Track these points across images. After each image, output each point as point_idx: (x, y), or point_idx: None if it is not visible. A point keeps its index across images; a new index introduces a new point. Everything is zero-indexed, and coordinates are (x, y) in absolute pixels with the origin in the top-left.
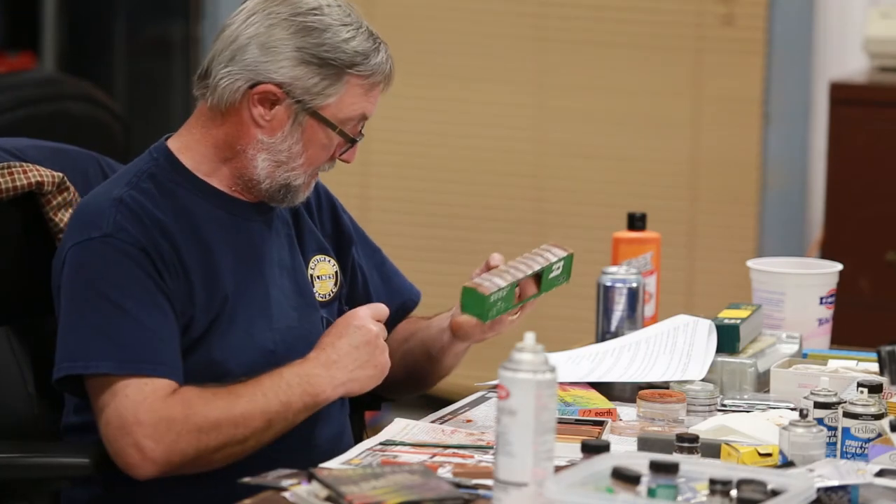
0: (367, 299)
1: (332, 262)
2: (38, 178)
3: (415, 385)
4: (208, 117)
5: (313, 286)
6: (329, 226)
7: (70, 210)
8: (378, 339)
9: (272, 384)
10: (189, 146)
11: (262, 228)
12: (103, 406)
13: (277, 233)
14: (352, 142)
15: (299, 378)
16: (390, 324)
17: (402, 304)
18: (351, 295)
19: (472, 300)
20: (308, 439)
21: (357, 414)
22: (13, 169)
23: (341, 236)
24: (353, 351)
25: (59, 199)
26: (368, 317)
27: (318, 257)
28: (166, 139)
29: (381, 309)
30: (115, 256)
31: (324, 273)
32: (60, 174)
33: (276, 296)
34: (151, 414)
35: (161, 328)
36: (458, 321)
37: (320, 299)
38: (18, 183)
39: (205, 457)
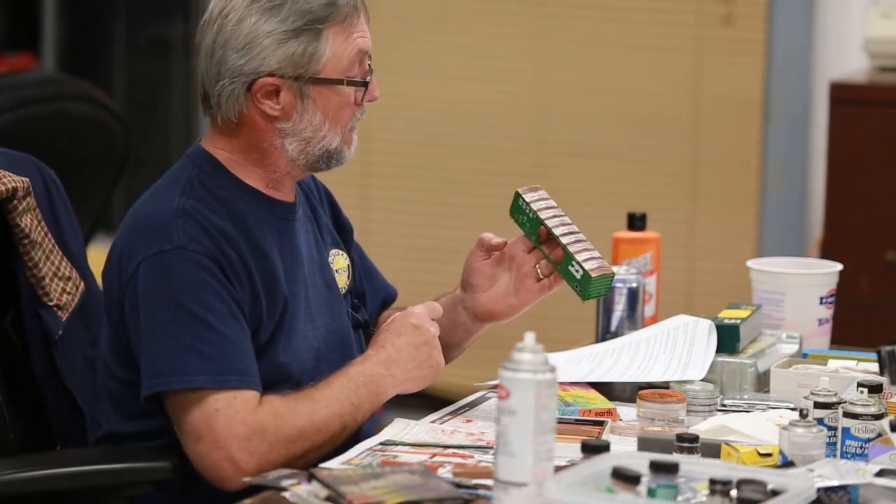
0: (362, 294)
1: (345, 255)
2: (14, 185)
3: None
4: (225, 131)
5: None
6: (330, 218)
7: (30, 215)
8: (435, 339)
9: (342, 387)
10: (221, 153)
11: (298, 227)
12: (192, 421)
13: (306, 230)
14: (363, 84)
15: (364, 378)
16: (375, 317)
17: (384, 297)
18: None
19: (605, 282)
20: None
21: None
22: None
23: (342, 229)
24: (413, 350)
25: (24, 203)
26: (426, 316)
27: (334, 251)
28: (199, 142)
29: (437, 308)
30: (190, 268)
31: (340, 266)
32: (27, 179)
33: (313, 293)
34: (244, 427)
35: (241, 339)
36: (486, 305)
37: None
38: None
39: (290, 464)
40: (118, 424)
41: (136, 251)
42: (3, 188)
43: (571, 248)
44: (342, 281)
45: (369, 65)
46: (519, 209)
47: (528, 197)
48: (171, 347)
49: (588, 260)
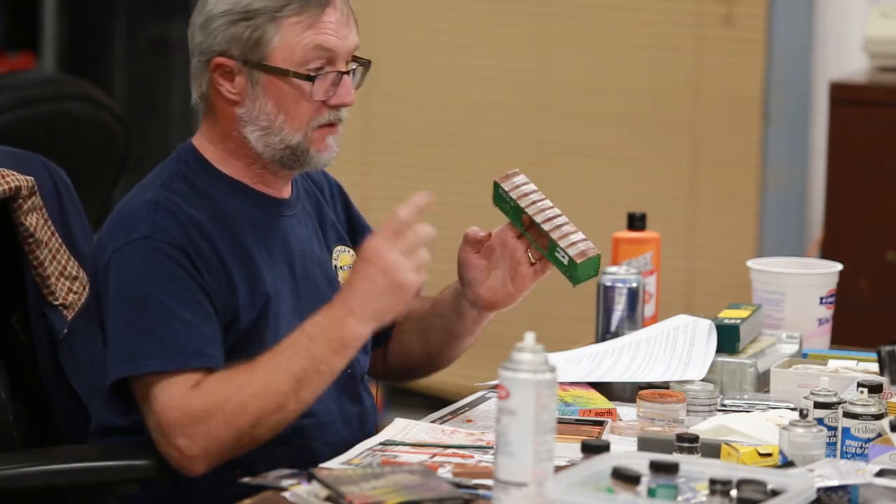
0: None
1: (351, 251)
2: (17, 183)
3: (436, 364)
4: (205, 121)
5: (337, 276)
6: (343, 215)
7: (35, 214)
8: (394, 263)
9: (292, 343)
10: (208, 147)
11: (293, 223)
12: (146, 410)
13: (306, 226)
14: (308, 79)
15: (320, 328)
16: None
17: None
18: None
19: (592, 265)
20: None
21: None
22: None
23: (353, 225)
24: (368, 283)
25: (29, 203)
26: (380, 246)
27: (339, 248)
28: (191, 140)
29: (390, 226)
30: (156, 257)
31: (345, 263)
32: (31, 178)
33: (309, 289)
34: (178, 413)
35: (205, 325)
36: (486, 297)
37: None
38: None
39: (244, 435)
40: (110, 418)
41: (109, 243)
42: (6, 187)
43: (553, 235)
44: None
45: (355, 68)
46: (500, 198)
47: (506, 185)
48: (131, 335)
49: (571, 245)
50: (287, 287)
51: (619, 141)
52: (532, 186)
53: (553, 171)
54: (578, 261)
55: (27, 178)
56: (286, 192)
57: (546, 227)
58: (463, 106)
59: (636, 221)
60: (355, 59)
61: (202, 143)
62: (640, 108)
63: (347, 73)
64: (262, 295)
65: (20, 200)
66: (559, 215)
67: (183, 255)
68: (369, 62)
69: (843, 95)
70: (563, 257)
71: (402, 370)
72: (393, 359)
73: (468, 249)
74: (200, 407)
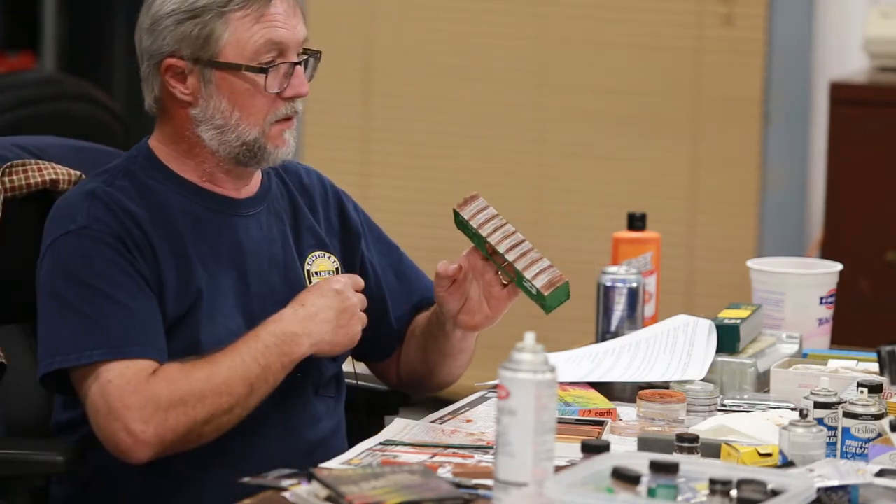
0: (381, 298)
1: (332, 258)
2: (53, 176)
3: (437, 380)
4: (159, 123)
5: (310, 281)
6: (336, 221)
7: None
8: (356, 308)
9: (249, 348)
10: (160, 147)
11: (249, 224)
12: (90, 395)
13: (269, 228)
14: (261, 72)
15: (276, 338)
16: (405, 321)
17: (418, 301)
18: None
19: (561, 293)
20: (301, 442)
21: (376, 417)
22: (28, 167)
23: (348, 232)
24: (332, 314)
25: None
26: (349, 285)
27: (315, 253)
28: (147, 139)
29: (359, 280)
30: (94, 246)
31: (322, 269)
32: (77, 172)
33: (261, 291)
34: (137, 397)
35: (147, 311)
36: (465, 321)
37: None
38: (33, 180)
39: (195, 430)
40: (59, 414)
41: (47, 235)
42: (41, 179)
43: (518, 266)
44: None
45: (306, 59)
46: (462, 224)
47: (465, 213)
48: (70, 324)
49: (537, 276)
50: (230, 285)
51: (619, 141)
52: (492, 211)
53: (553, 171)
54: (546, 293)
55: (72, 171)
56: (243, 191)
57: (510, 256)
58: (463, 106)
59: (636, 221)
60: (306, 50)
61: (155, 143)
62: (640, 108)
63: (300, 63)
64: (192, 290)
65: (62, 193)
66: (522, 241)
67: (119, 243)
68: (320, 53)
69: (843, 95)
70: (531, 287)
71: (410, 382)
72: (402, 371)
73: (443, 285)
74: (165, 395)
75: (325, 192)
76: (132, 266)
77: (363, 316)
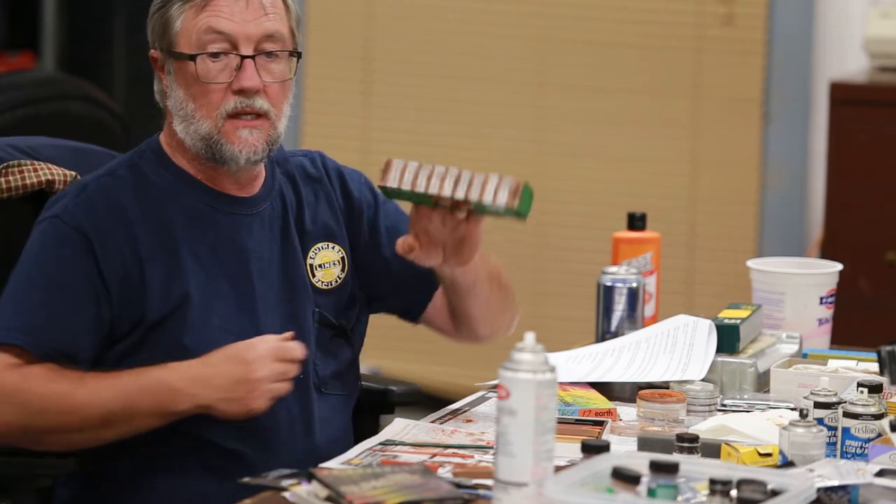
0: (388, 273)
1: (338, 248)
2: (49, 177)
3: (483, 328)
4: (165, 117)
5: (313, 276)
6: (340, 198)
7: None
8: (261, 384)
9: (124, 384)
10: (164, 140)
11: (252, 223)
12: None
13: (271, 227)
14: (191, 58)
15: (159, 385)
16: (423, 297)
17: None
18: (367, 261)
19: (527, 196)
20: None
21: (371, 415)
22: (24, 167)
23: (351, 207)
24: (230, 383)
25: None
26: (268, 357)
27: (318, 245)
28: (159, 134)
29: (293, 350)
30: (52, 236)
31: (326, 260)
32: (73, 173)
33: (263, 291)
34: None
35: (65, 311)
36: (451, 272)
37: (325, 287)
38: (28, 181)
39: (32, 435)
40: None
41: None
42: (37, 180)
43: (472, 198)
44: (330, 275)
45: (265, 51)
46: (395, 193)
47: (390, 182)
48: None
49: (496, 195)
50: (230, 285)
51: (619, 141)
52: (413, 164)
53: (553, 171)
54: (515, 205)
55: (67, 172)
56: (246, 190)
57: (458, 195)
58: (462, 106)
59: (636, 221)
60: (290, 51)
61: (162, 137)
62: (640, 108)
63: (251, 57)
64: (179, 292)
65: (54, 194)
66: (459, 174)
67: (82, 240)
68: (299, 53)
69: (843, 95)
70: (498, 209)
71: (468, 332)
72: (456, 326)
73: (415, 257)
74: (9, 387)
75: (328, 173)
76: (81, 268)
77: (275, 388)
